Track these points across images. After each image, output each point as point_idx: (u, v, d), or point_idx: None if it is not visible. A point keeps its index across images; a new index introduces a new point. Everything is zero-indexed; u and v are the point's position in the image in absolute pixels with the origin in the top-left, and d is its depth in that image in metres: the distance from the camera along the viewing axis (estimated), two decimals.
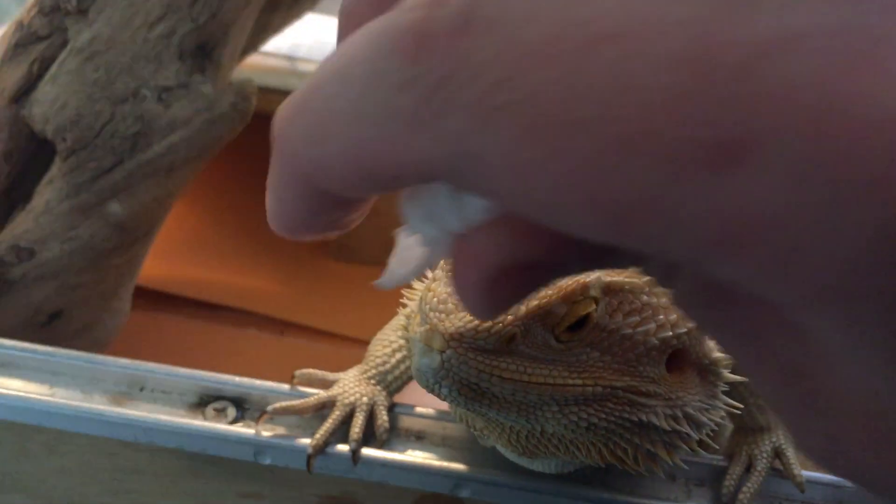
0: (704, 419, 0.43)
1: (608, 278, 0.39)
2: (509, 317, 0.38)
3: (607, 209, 0.15)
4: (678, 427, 0.42)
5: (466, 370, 0.38)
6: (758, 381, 0.18)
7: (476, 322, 0.37)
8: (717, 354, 0.43)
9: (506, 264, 0.18)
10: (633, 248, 0.15)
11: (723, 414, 0.45)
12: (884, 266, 0.13)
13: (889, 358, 0.15)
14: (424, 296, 0.40)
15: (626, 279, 0.40)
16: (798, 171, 0.14)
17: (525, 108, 0.15)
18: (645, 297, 0.40)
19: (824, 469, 0.18)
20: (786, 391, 0.17)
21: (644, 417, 0.41)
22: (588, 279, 0.39)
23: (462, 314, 0.38)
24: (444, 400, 0.39)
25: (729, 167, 0.14)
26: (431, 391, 0.39)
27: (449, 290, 0.39)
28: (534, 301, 0.38)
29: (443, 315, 0.38)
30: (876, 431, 0.16)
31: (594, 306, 0.39)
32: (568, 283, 0.38)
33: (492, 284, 0.18)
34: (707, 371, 0.43)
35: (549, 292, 0.38)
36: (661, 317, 0.40)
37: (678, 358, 0.42)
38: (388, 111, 0.16)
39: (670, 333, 0.40)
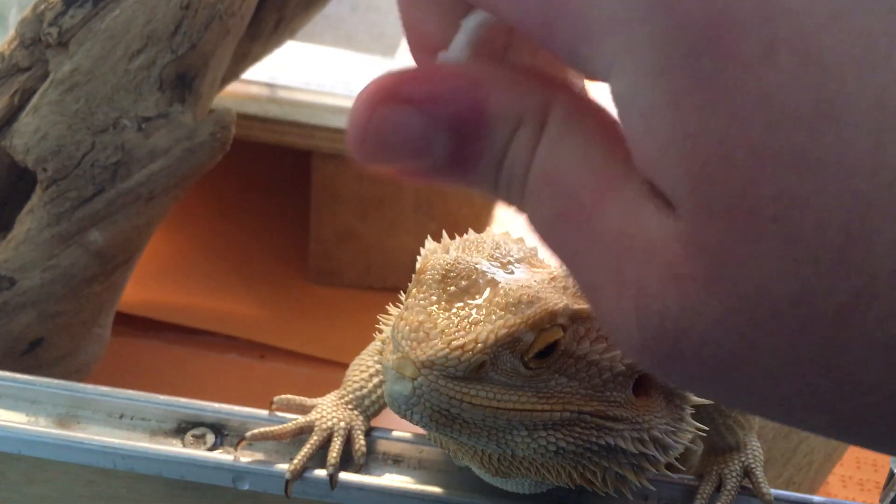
0: (671, 441, 0.44)
1: (576, 306, 0.40)
2: (479, 345, 0.39)
3: None
4: (645, 450, 0.43)
5: (437, 397, 0.39)
6: (586, 274, 0.20)
7: (447, 350, 0.38)
8: None
9: (384, 100, 0.21)
10: None
11: (690, 437, 0.46)
12: (656, 11, 0.17)
13: (666, 100, 0.17)
14: (396, 323, 0.40)
15: None
16: None
17: None
18: None
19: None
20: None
21: (612, 441, 0.42)
22: (556, 307, 0.40)
23: (434, 342, 0.39)
24: (416, 425, 0.40)
25: None
26: (404, 417, 0.40)
27: (421, 318, 0.40)
28: (503, 329, 0.39)
29: (414, 343, 0.39)
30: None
31: (562, 334, 0.40)
32: (536, 311, 0.39)
33: (375, 105, 0.21)
34: (673, 395, 0.44)
35: (518, 320, 0.39)
36: None
37: (645, 382, 0.43)
38: None
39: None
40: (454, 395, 0.39)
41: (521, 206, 0.21)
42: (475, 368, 0.39)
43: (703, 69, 0.17)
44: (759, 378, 0.18)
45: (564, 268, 0.21)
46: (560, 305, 0.40)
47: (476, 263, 0.42)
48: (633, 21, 0.17)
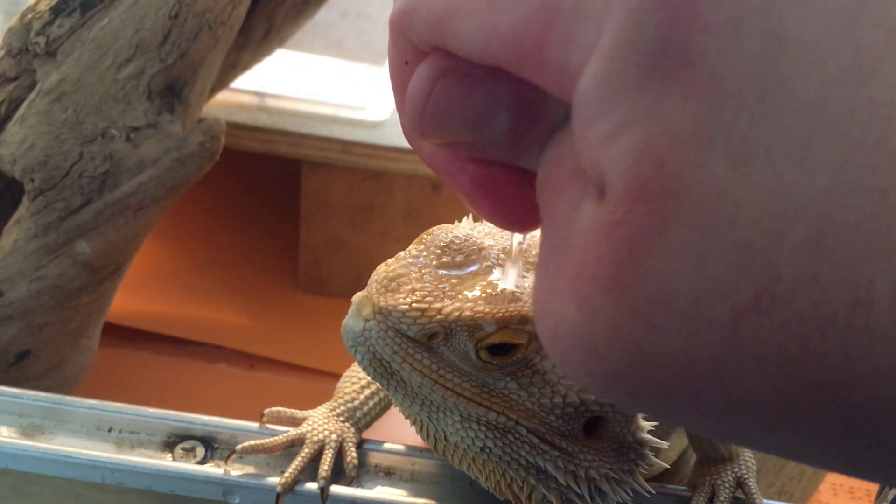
0: (607, 489, 0.43)
1: None
2: (439, 315, 0.39)
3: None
4: (575, 486, 0.42)
5: (382, 346, 0.39)
6: (548, 245, 0.20)
7: (406, 307, 0.39)
8: (645, 435, 0.43)
9: (466, 60, 0.20)
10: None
11: (631, 493, 0.45)
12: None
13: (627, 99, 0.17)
14: (379, 268, 0.41)
15: None
16: None
17: None
18: None
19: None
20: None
21: (541, 462, 0.42)
22: (530, 314, 0.40)
23: (399, 296, 0.39)
24: (360, 366, 0.41)
25: None
26: (351, 354, 0.40)
27: (401, 271, 0.40)
28: (468, 311, 0.39)
29: (382, 289, 0.40)
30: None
31: (525, 340, 0.40)
32: (508, 308, 0.39)
33: (440, 74, 0.21)
34: (629, 448, 0.43)
35: (486, 310, 0.39)
36: None
37: (600, 427, 0.43)
38: None
39: (593, 398, 0.41)
40: (398, 350, 0.39)
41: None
42: (427, 335, 0.39)
43: (672, 41, 0.16)
44: (653, 392, 0.18)
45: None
46: None
47: (482, 247, 0.41)
48: (612, 3, 0.17)
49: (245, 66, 0.88)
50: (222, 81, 0.86)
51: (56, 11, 0.67)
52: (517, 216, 0.23)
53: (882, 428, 0.16)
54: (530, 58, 0.19)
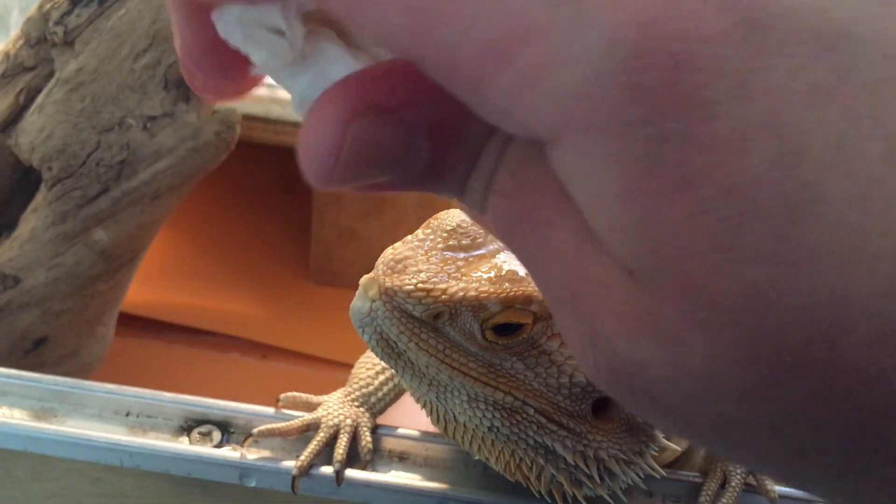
0: (618, 469, 0.43)
1: None
2: (444, 296, 0.39)
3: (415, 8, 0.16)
4: (584, 466, 0.43)
5: (388, 326, 0.40)
6: (543, 282, 0.19)
7: (412, 287, 0.39)
8: None
9: (375, 101, 0.18)
10: (432, 66, 0.17)
11: (642, 473, 0.45)
12: (613, 89, 0.15)
13: (620, 185, 0.16)
14: (387, 251, 0.41)
15: None
16: None
17: None
18: None
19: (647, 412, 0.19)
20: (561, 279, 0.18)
21: (549, 442, 0.42)
22: (535, 294, 0.40)
23: (405, 277, 0.40)
24: (368, 345, 0.41)
25: None
26: (359, 334, 0.41)
27: (408, 253, 0.41)
28: (473, 292, 0.39)
29: (389, 270, 0.40)
30: (626, 305, 0.17)
31: (530, 320, 0.40)
32: (513, 288, 0.40)
33: (350, 118, 0.18)
34: (639, 430, 0.44)
35: (491, 290, 0.40)
36: None
37: (609, 408, 0.43)
38: None
39: None
40: (404, 330, 0.40)
41: (484, 208, 0.20)
42: (432, 315, 0.40)
43: (668, 155, 0.15)
44: (707, 427, 0.17)
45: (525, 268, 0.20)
46: (541, 296, 0.40)
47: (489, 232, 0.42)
48: (593, 96, 0.15)
49: None
50: None
51: (74, 1, 0.68)
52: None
53: None
54: (465, 89, 0.17)
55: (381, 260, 0.41)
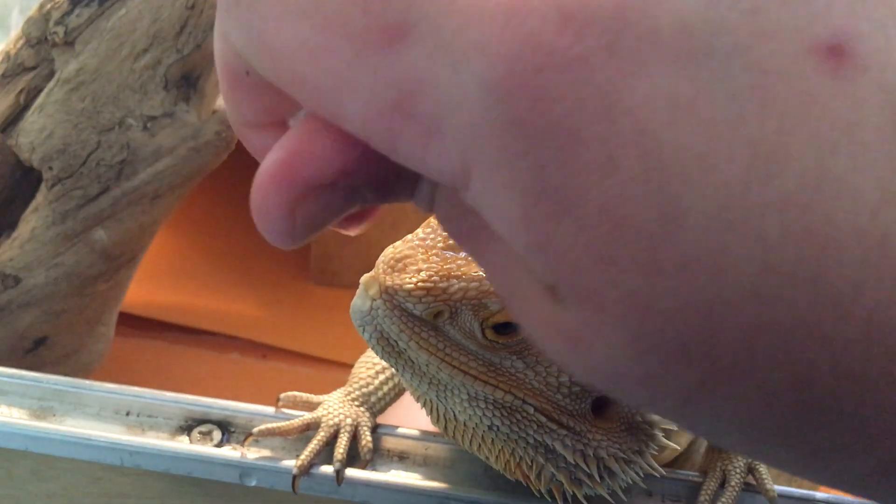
0: (617, 468, 0.43)
1: None
2: (444, 294, 0.40)
3: (320, 83, 0.18)
4: (584, 465, 0.43)
5: (388, 325, 0.40)
6: (496, 284, 0.21)
7: (412, 286, 0.39)
8: (654, 416, 0.44)
9: (312, 181, 0.20)
10: (344, 123, 0.19)
11: (642, 472, 0.45)
12: (496, 126, 0.17)
13: (519, 213, 0.17)
14: (387, 250, 0.42)
15: None
16: (442, 46, 0.17)
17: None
18: None
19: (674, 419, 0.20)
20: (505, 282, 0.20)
21: (549, 441, 0.42)
22: None
23: (405, 276, 0.40)
24: (368, 344, 0.41)
25: (392, 45, 0.17)
26: (360, 332, 0.41)
27: (408, 252, 0.41)
28: (473, 290, 0.40)
29: (389, 269, 0.40)
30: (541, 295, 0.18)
31: None
32: None
33: (294, 205, 0.20)
34: (638, 429, 0.44)
35: (491, 287, 0.40)
36: None
37: (609, 407, 0.43)
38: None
39: None
40: (404, 329, 0.40)
41: (438, 216, 0.22)
42: (432, 313, 0.40)
43: (548, 181, 0.16)
44: (645, 405, 0.19)
45: None
46: None
47: None
48: (481, 135, 0.17)
49: None
50: None
51: (75, 2, 0.68)
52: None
53: (870, 434, 0.17)
54: (384, 143, 0.18)
55: (381, 259, 0.41)
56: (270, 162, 0.20)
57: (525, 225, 0.17)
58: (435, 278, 0.40)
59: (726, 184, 0.16)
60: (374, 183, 0.20)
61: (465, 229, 0.20)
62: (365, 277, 0.41)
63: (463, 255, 0.41)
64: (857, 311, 0.16)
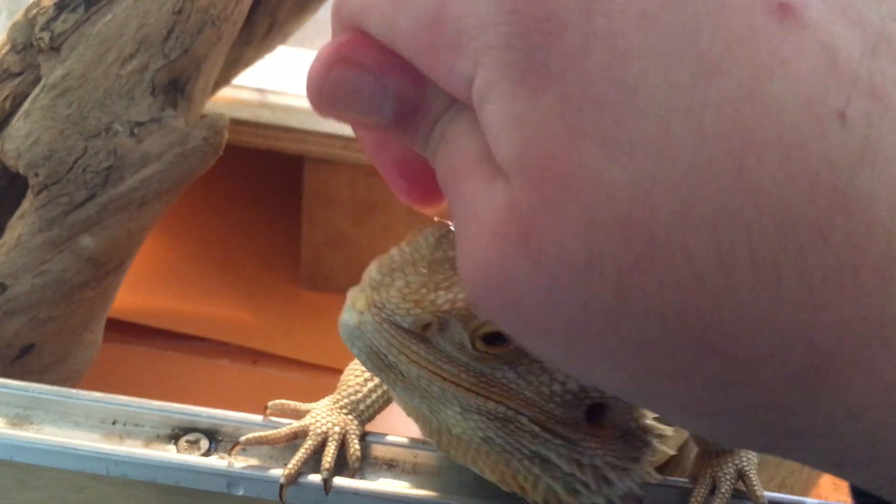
0: (614, 477, 0.43)
1: None
2: (432, 306, 0.39)
3: (385, 9, 0.24)
4: (580, 474, 0.42)
5: (378, 339, 0.40)
6: (456, 223, 0.24)
7: (399, 299, 0.39)
8: (648, 422, 0.43)
9: (353, 57, 0.25)
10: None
11: (639, 481, 0.44)
12: (501, 14, 0.21)
13: (510, 88, 0.21)
14: (373, 262, 0.41)
15: None
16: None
17: None
18: None
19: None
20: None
21: (544, 451, 0.42)
22: None
23: (392, 290, 0.39)
24: (358, 359, 0.41)
25: None
26: (349, 348, 0.41)
27: (396, 265, 0.40)
28: (461, 302, 0.39)
29: (376, 283, 0.40)
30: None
31: None
32: None
33: (330, 66, 0.25)
34: (633, 436, 0.43)
35: None
36: None
37: (602, 414, 0.43)
38: None
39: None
40: (393, 342, 0.40)
41: (434, 164, 0.25)
42: (421, 325, 0.40)
43: (536, 60, 0.20)
44: (567, 338, 0.21)
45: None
46: None
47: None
48: (487, 25, 0.21)
49: (247, 63, 0.88)
50: (225, 78, 0.86)
51: (60, 7, 0.68)
52: (423, 194, 0.31)
53: (759, 384, 0.19)
54: (425, 58, 0.23)
55: (367, 272, 0.41)
56: (332, 41, 0.25)
57: (512, 98, 0.20)
58: (423, 290, 0.39)
59: (675, 80, 0.19)
60: (399, 97, 0.24)
61: (455, 164, 0.23)
62: (351, 291, 0.41)
63: (450, 266, 0.41)
64: (772, 204, 0.18)
